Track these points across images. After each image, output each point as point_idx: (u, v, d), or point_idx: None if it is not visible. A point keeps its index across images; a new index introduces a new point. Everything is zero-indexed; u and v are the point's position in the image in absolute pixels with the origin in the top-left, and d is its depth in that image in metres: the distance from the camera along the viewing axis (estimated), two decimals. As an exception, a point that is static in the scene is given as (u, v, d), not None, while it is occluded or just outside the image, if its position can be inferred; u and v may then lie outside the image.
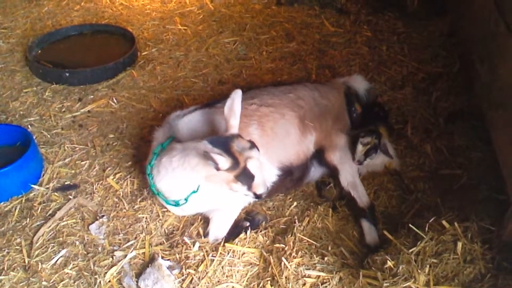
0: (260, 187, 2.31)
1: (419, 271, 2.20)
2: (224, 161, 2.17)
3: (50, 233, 2.72)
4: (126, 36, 4.34)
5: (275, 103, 2.79)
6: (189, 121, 2.67)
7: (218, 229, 2.66)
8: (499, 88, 2.63)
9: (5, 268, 2.54)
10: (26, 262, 2.58)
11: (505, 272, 2.23)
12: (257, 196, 2.35)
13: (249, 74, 3.95)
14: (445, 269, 2.25)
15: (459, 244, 2.28)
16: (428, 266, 2.23)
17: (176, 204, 2.53)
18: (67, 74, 3.83)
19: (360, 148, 2.75)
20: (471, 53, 3.23)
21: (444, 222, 2.40)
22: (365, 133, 2.77)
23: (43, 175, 3.06)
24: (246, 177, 2.26)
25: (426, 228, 2.41)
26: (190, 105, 3.58)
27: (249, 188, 2.30)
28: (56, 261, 2.58)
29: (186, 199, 2.49)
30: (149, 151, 2.72)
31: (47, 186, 3.00)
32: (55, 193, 2.95)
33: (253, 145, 2.29)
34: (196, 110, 2.75)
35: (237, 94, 2.37)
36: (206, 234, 2.66)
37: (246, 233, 2.63)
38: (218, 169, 2.18)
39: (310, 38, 4.39)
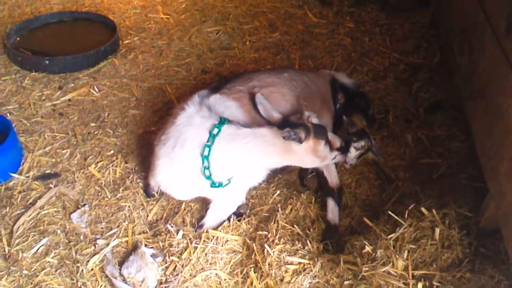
0: (335, 139, 2.50)
1: (397, 256, 2.26)
2: (300, 132, 2.29)
3: (31, 222, 2.69)
4: (107, 24, 4.28)
5: (274, 82, 2.80)
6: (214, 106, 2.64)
7: (214, 220, 2.66)
8: (478, 78, 2.68)
9: (-15, 257, 2.51)
10: (6, 251, 2.55)
11: (482, 257, 2.30)
12: (342, 150, 2.53)
13: (232, 64, 3.94)
14: (423, 254, 2.30)
15: (437, 230, 2.34)
16: (406, 251, 2.28)
17: (220, 185, 2.52)
18: (47, 62, 3.77)
19: (353, 153, 2.74)
20: (452, 44, 3.29)
21: (423, 209, 2.46)
22: (358, 137, 2.75)
23: (23, 164, 3.02)
24: (321, 131, 2.40)
25: (406, 215, 2.47)
26: (172, 94, 3.59)
27: (330, 146, 2.45)
28: (37, 250, 2.56)
29: (229, 180, 2.53)
30: (155, 137, 2.70)
31: (27, 175, 2.96)
32: (36, 182, 2.91)
33: (300, 113, 2.46)
34: (210, 95, 2.67)
35: (261, 98, 2.53)
36: (200, 226, 2.65)
37: (229, 221, 2.64)
38: (301, 141, 2.29)
39: (293, 29, 4.40)
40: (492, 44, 2.46)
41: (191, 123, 2.50)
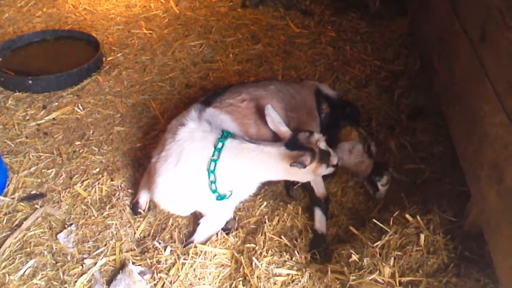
0: (334, 158, 2.56)
1: (384, 263, 2.28)
2: (306, 159, 2.31)
3: (17, 244, 2.67)
4: (90, 41, 4.29)
5: (262, 95, 2.83)
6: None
7: (203, 237, 2.66)
8: (455, 85, 2.73)
9: (-29, 282, 2.49)
10: (-7, 274, 2.53)
11: (467, 261, 2.32)
12: (335, 166, 2.59)
13: (216, 77, 3.97)
14: (409, 261, 2.33)
15: (422, 236, 2.37)
16: (392, 258, 2.30)
17: (223, 197, 2.55)
18: (30, 82, 3.76)
19: (382, 190, 2.85)
20: (430, 51, 3.34)
21: (407, 216, 2.49)
22: (379, 175, 2.85)
23: (8, 185, 3.00)
24: (325, 157, 2.46)
25: (391, 222, 2.49)
26: (157, 109, 3.60)
27: (328, 164, 2.51)
28: (24, 272, 2.54)
29: (231, 192, 2.56)
30: (152, 153, 2.72)
31: (13, 196, 2.94)
32: (21, 203, 2.89)
33: (311, 132, 2.51)
34: (204, 109, 2.68)
35: (270, 110, 2.54)
36: (189, 242, 2.63)
37: (217, 235, 2.65)
38: (305, 167, 2.31)
39: (275, 40, 4.45)
40: (467, 52, 2.51)
41: (193, 138, 2.50)
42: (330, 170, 2.57)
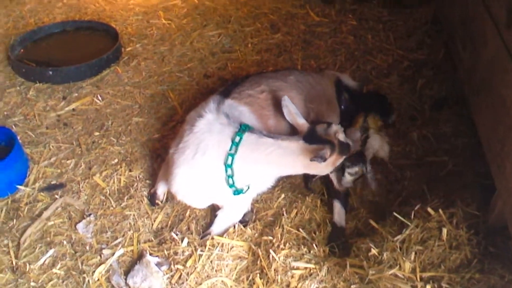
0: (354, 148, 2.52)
1: (404, 258, 2.22)
2: (326, 152, 2.27)
3: (37, 234, 2.71)
4: (110, 32, 4.29)
5: (281, 86, 2.78)
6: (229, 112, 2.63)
7: (221, 228, 2.64)
8: (480, 72, 2.63)
9: (-7, 270, 2.53)
10: (14, 263, 2.57)
11: (491, 257, 2.25)
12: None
13: (234, 67, 3.93)
14: (431, 256, 2.26)
15: (444, 231, 2.30)
16: (413, 253, 2.24)
17: (240, 192, 2.54)
18: (51, 73, 3.79)
19: (348, 178, 2.75)
20: (455, 39, 3.24)
21: (429, 209, 2.42)
22: (352, 162, 2.74)
23: (29, 175, 3.04)
24: (345, 149, 2.40)
25: (412, 216, 2.43)
26: (175, 100, 3.59)
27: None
28: (44, 261, 2.57)
29: (248, 186, 2.54)
30: (170, 144, 2.72)
31: (33, 186, 2.98)
32: (41, 193, 2.93)
33: (329, 123, 2.43)
34: (223, 101, 2.64)
35: (287, 101, 2.48)
36: (206, 234, 2.62)
37: (234, 227, 2.63)
38: (325, 160, 2.27)
39: (295, 29, 4.37)
40: (493, 38, 2.41)
41: (211, 130, 2.47)
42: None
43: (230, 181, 2.46)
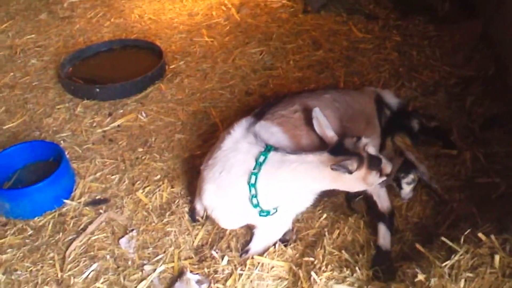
0: (388, 165, 2.38)
1: (453, 285, 2.11)
2: (351, 163, 2.22)
3: (82, 247, 2.76)
4: (154, 50, 4.40)
5: (315, 105, 2.73)
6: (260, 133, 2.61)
7: (260, 246, 2.62)
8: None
9: (39, 283, 2.59)
10: (59, 276, 2.62)
11: (548, 286, 2.11)
12: (388, 175, 2.40)
13: (276, 84, 3.93)
14: (482, 283, 2.13)
15: (497, 258, 2.16)
16: (463, 280, 2.12)
17: (267, 213, 2.51)
18: (98, 90, 3.91)
19: (406, 190, 2.72)
20: (506, 55, 3.11)
21: (480, 235, 2.29)
22: (405, 172, 2.70)
23: (75, 190, 3.12)
24: (375, 163, 2.30)
25: (461, 241, 2.31)
26: (217, 117, 3.61)
27: (381, 173, 2.35)
28: (88, 275, 2.61)
29: (276, 209, 2.50)
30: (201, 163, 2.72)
31: (79, 200, 3.05)
32: (87, 208, 2.99)
33: (358, 138, 2.36)
34: (256, 122, 2.65)
35: (318, 113, 2.45)
36: (245, 251, 2.62)
37: (275, 246, 2.59)
38: (350, 172, 2.22)
39: (337, 45, 4.34)
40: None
41: (237, 149, 2.48)
42: (383, 180, 2.40)
43: (255, 200, 2.42)
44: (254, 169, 2.38)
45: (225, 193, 2.51)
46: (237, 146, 2.48)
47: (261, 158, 2.38)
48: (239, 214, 2.56)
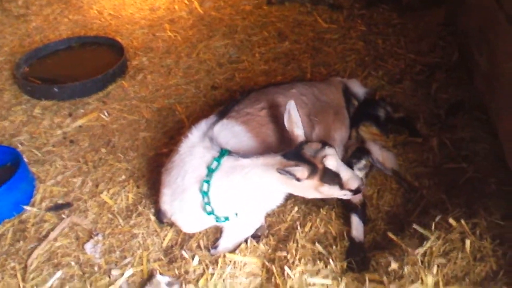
0: (351, 181, 2.21)
1: (426, 272, 2.11)
2: (301, 171, 2.11)
3: (45, 255, 2.63)
4: (115, 46, 4.26)
5: (283, 101, 2.67)
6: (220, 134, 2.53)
7: (230, 242, 2.56)
8: (500, 78, 2.52)
9: (0, 294, 2.46)
10: (21, 286, 2.49)
11: (519, 268, 2.13)
12: (355, 191, 2.25)
13: (242, 77, 3.86)
14: (454, 268, 2.15)
15: (468, 242, 2.19)
16: (435, 266, 2.13)
17: (226, 219, 2.44)
18: (56, 90, 3.76)
19: (359, 175, 2.66)
20: (470, 43, 3.13)
21: (451, 220, 2.31)
22: (357, 157, 2.68)
23: (35, 195, 2.98)
24: (330, 177, 2.18)
25: (433, 227, 2.32)
26: (182, 113, 3.52)
27: (341, 186, 2.21)
28: (52, 284, 2.49)
29: (236, 214, 2.42)
30: (165, 163, 2.62)
31: (40, 206, 2.91)
32: (48, 213, 2.86)
33: (324, 144, 2.23)
34: (218, 122, 2.58)
35: (292, 105, 2.34)
36: (215, 247, 2.56)
37: (246, 242, 2.53)
38: (298, 179, 2.11)
39: (303, 37, 4.30)
40: (512, 40, 2.31)
41: (192, 154, 2.41)
42: (345, 194, 2.26)
43: (208, 208, 2.36)
44: (206, 176, 2.31)
45: (179, 199, 2.44)
46: (193, 151, 2.41)
47: (214, 164, 2.30)
48: (197, 219, 2.50)
